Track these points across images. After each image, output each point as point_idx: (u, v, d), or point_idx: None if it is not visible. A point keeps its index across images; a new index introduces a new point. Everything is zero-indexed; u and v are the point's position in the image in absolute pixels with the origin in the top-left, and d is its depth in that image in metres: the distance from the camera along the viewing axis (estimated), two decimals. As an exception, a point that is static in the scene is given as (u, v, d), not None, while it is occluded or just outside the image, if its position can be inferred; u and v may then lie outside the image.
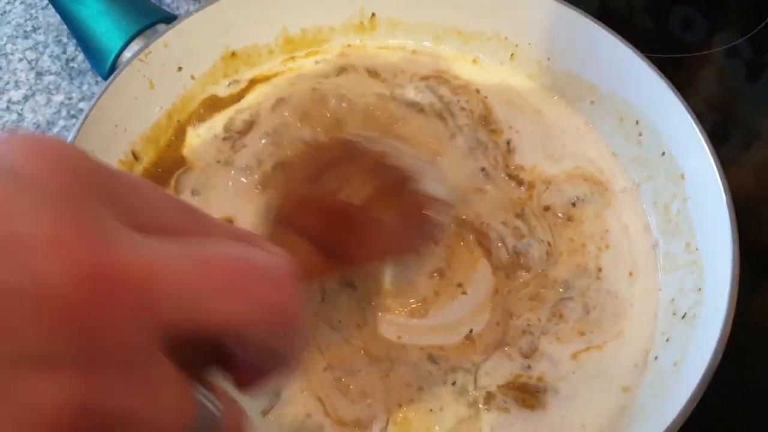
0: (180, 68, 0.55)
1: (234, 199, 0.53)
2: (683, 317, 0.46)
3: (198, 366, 0.24)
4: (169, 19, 0.57)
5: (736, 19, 0.74)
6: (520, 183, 0.54)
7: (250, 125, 0.56)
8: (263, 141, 0.55)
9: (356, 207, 0.44)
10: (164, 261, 0.21)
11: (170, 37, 0.54)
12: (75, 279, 0.19)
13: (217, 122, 0.57)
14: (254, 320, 0.23)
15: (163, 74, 0.54)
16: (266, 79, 0.59)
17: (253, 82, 0.59)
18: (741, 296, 0.43)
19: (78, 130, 0.48)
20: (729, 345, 0.41)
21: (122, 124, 0.52)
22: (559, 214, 0.52)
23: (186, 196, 0.53)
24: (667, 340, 0.46)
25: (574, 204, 0.53)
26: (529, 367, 0.46)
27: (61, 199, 0.20)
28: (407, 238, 0.47)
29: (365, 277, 0.49)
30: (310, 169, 0.47)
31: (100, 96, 0.50)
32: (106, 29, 0.56)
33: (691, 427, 0.39)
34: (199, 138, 0.56)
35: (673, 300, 0.48)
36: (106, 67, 0.56)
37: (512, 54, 0.59)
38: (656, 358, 0.46)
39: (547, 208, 0.53)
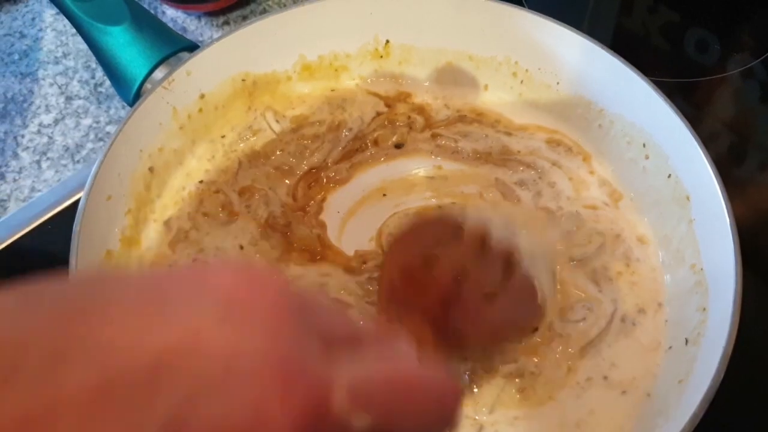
0: (202, 95, 0.57)
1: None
2: (687, 341, 0.46)
3: None
4: (192, 47, 0.58)
5: (751, 42, 0.74)
6: None
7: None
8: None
9: (467, 284, 0.44)
10: (361, 382, 0.23)
11: (193, 65, 0.55)
12: (293, 417, 0.21)
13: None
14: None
15: (186, 100, 0.56)
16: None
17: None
18: (751, 315, 0.43)
19: (105, 154, 0.50)
20: (732, 363, 0.41)
21: (147, 149, 0.54)
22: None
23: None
24: (672, 359, 0.47)
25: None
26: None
27: (277, 329, 0.22)
28: (517, 318, 0.47)
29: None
30: (418, 244, 0.47)
31: (125, 122, 0.51)
32: (132, 58, 0.57)
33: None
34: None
35: (678, 323, 0.48)
36: (131, 94, 0.58)
37: (522, 79, 0.60)
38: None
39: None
